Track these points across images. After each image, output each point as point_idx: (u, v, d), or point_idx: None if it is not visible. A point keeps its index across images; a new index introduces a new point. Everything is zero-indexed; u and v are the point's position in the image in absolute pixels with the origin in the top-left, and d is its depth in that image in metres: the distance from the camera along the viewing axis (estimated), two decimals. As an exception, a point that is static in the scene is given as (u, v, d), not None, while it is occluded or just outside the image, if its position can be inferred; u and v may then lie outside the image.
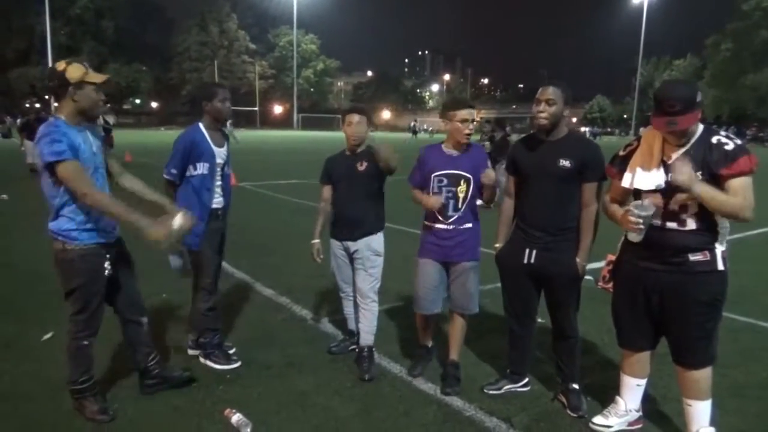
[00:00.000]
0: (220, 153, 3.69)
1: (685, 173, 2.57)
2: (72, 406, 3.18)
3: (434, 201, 3.46)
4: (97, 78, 2.93)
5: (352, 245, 3.76)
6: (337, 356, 4.01)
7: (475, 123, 3.48)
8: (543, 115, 3.17)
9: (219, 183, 3.71)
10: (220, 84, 4.06)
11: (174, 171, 3.61)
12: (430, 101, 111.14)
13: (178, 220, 2.84)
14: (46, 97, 57.26)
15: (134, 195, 3.19)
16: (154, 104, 77.15)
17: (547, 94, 3.16)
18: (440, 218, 3.52)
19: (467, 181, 3.45)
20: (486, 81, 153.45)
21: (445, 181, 3.48)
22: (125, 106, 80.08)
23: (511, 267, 3.35)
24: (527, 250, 3.25)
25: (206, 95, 3.69)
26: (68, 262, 2.96)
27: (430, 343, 3.92)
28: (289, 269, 6.21)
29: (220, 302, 3.95)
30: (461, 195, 3.48)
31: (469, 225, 3.51)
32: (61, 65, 2.92)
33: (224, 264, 5.43)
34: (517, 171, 3.37)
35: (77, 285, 2.99)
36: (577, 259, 3.20)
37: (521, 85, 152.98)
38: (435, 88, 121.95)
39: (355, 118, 3.73)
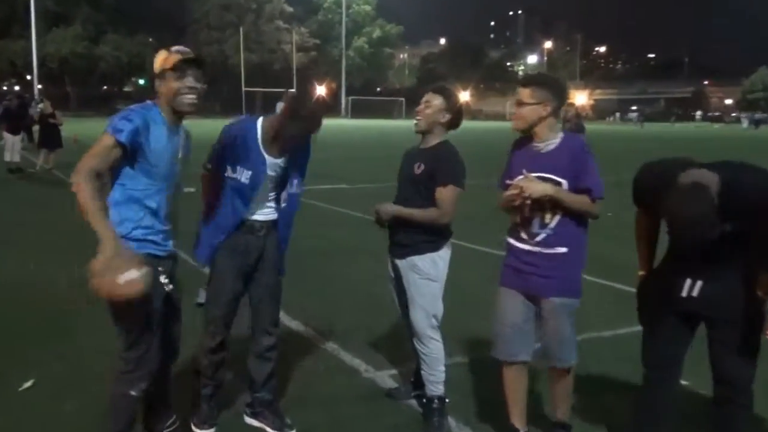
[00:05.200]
0: (276, 165, 3.69)
1: None
2: None
3: (505, 195, 3.44)
4: (170, 60, 3.08)
5: (399, 263, 3.97)
6: (400, 418, 4.03)
7: (527, 105, 3.41)
8: None
9: (272, 198, 3.76)
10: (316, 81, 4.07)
11: (209, 165, 3.75)
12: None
13: (126, 280, 2.78)
14: (28, 77, 60.47)
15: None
16: (162, 86, 79.93)
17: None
18: (523, 235, 3.47)
19: (557, 185, 3.36)
20: (602, 50, 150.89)
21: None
22: (126, 88, 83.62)
23: (661, 303, 3.26)
24: (688, 281, 3.16)
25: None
26: None
27: (522, 427, 3.74)
28: (333, 300, 6.26)
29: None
30: (549, 206, 3.39)
31: (563, 249, 3.40)
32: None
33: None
34: (651, 206, 3.27)
35: (128, 303, 3.08)
36: (759, 293, 3.08)
37: (652, 55, 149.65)
38: (532, 59, 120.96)
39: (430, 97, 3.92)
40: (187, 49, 3.14)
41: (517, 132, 3.56)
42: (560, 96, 3.48)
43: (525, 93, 3.42)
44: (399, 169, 4.09)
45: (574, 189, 3.35)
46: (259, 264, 3.80)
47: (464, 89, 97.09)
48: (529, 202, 3.36)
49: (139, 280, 2.80)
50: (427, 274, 3.86)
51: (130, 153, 3.00)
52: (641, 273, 3.41)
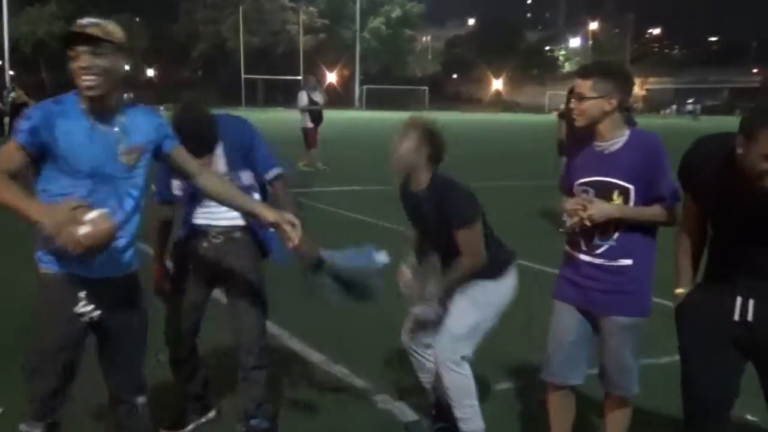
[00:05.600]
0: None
1: None
2: None
3: (568, 204, 3.48)
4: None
5: None
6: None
7: (588, 99, 3.40)
8: None
9: None
10: None
11: (155, 189, 3.98)
12: (567, 64, 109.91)
13: (87, 225, 2.71)
14: None
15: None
16: (150, 71, 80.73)
17: None
18: (583, 245, 3.50)
19: (624, 192, 3.39)
20: (656, 32, 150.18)
21: (591, 193, 3.46)
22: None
23: (706, 326, 3.21)
24: (739, 300, 3.11)
25: None
26: (37, 291, 3.13)
27: None
28: (345, 319, 6.25)
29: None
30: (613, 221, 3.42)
31: (628, 261, 3.45)
32: None
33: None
34: (699, 194, 3.24)
35: (32, 327, 3.13)
36: None
37: (714, 39, 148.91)
38: (575, 42, 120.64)
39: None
40: (92, 21, 2.95)
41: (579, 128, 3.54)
42: (626, 87, 3.47)
43: (585, 85, 3.41)
44: (404, 210, 4.16)
45: (645, 196, 3.37)
46: (225, 273, 3.97)
47: (496, 77, 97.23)
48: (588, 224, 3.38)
49: (98, 218, 2.71)
50: (473, 298, 3.87)
51: (38, 153, 2.96)
52: (679, 291, 3.32)
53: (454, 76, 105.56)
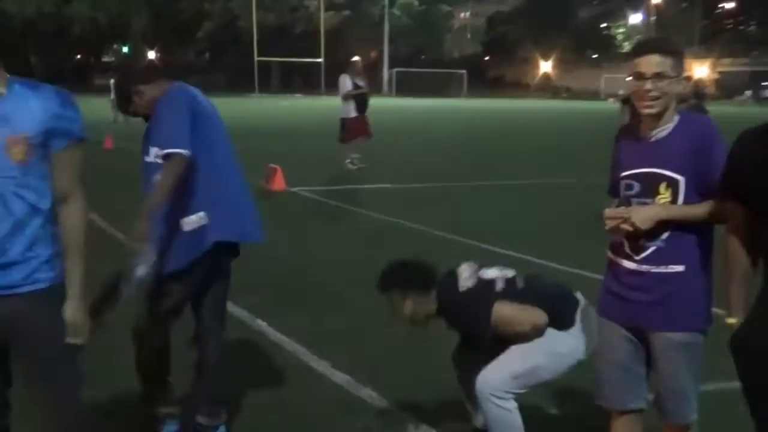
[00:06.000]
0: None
1: None
2: None
3: (606, 224, 3.46)
4: None
5: None
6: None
7: (669, 79, 3.38)
8: None
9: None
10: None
11: None
12: (626, 43, 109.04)
13: None
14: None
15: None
16: (151, 54, 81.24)
17: None
18: (627, 248, 3.47)
19: (672, 185, 3.37)
20: (730, 6, 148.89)
21: (636, 187, 3.45)
22: (106, 58, 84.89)
23: (761, 357, 3.18)
24: None
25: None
26: None
27: None
28: (376, 339, 6.26)
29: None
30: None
31: (679, 267, 3.41)
32: None
33: (263, 328, 5.59)
34: (746, 191, 3.20)
35: None
36: None
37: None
38: (635, 19, 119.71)
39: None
40: None
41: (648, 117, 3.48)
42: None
43: (666, 63, 3.38)
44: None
45: (698, 188, 3.34)
46: None
47: (545, 59, 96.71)
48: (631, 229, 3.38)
49: None
50: (536, 343, 3.93)
51: None
52: (732, 321, 3.20)
53: (495, 58, 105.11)
